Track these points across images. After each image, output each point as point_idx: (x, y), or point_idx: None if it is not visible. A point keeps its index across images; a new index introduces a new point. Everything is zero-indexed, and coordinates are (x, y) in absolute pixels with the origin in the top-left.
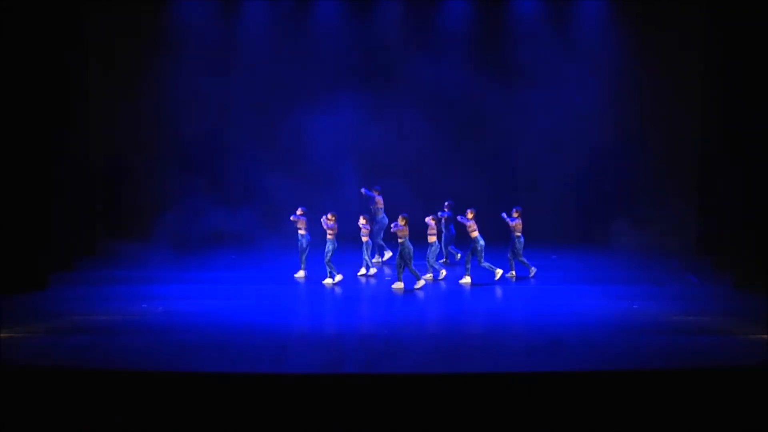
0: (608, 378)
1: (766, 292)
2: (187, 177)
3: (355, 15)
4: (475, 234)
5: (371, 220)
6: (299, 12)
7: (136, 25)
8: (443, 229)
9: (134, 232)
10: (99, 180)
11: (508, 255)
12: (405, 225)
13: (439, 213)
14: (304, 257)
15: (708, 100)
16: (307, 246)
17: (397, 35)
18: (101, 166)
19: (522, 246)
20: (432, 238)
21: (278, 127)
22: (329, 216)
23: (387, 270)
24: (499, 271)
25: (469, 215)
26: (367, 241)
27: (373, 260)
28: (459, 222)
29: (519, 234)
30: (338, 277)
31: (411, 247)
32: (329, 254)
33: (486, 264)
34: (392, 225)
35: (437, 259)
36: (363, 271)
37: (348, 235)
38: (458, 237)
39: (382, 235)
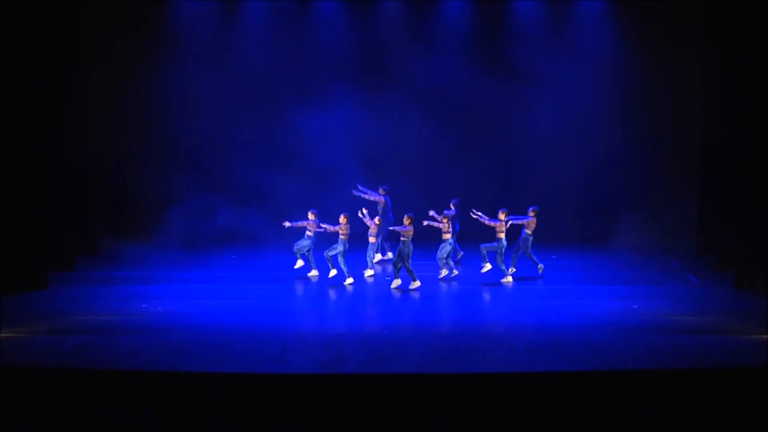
0: (608, 378)
1: (766, 292)
2: (187, 176)
3: (356, 14)
4: (502, 235)
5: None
6: (300, 11)
7: (135, 24)
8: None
9: (134, 232)
10: (99, 180)
11: (512, 253)
12: (410, 225)
13: (446, 211)
14: (311, 256)
15: (709, 100)
16: (311, 247)
17: (400, 34)
18: (101, 165)
19: (530, 245)
20: (447, 236)
21: (279, 126)
22: (341, 218)
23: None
24: (488, 266)
25: (501, 216)
26: (374, 242)
27: (374, 260)
28: (477, 220)
29: (530, 232)
30: (350, 280)
31: (411, 247)
32: (337, 253)
33: (502, 264)
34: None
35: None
36: (370, 272)
37: (357, 235)
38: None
39: (385, 233)
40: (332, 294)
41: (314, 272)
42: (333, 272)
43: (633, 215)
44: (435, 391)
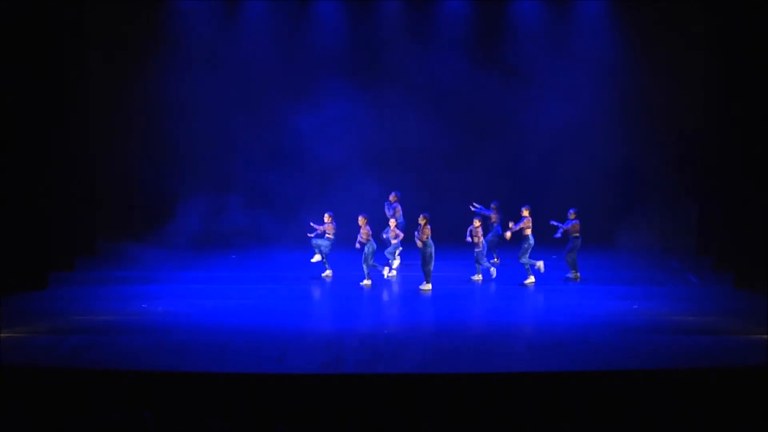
0: (608, 378)
1: (766, 292)
2: (187, 176)
3: (357, 14)
4: (528, 232)
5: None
6: (301, 11)
7: (135, 24)
8: (490, 229)
9: (134, 232)
10: (99, 180)
11: (567, 258)
12: (425, 225)
13: (485, 210)
14: (326, 257)
15: (709, 101)
16: (330, 248)
17: (401, 34)
18: (101, 165)
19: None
20: (478, 239)
21: (279, 125)
22: (360, 219)
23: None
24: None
25: (525, 212)
26: (396, 243)
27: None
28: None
29: (578, 235)
30: (367, 282)
31: (431, 247)
32: (370, 257)
33: (526, 261)
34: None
35: (488, 259)
36: (392, 272)
37: (350, 236)
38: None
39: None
40: (332, 294)
41: (328, 272)
42: (389, 272)
43: (633, 215)
44: (435, 391)
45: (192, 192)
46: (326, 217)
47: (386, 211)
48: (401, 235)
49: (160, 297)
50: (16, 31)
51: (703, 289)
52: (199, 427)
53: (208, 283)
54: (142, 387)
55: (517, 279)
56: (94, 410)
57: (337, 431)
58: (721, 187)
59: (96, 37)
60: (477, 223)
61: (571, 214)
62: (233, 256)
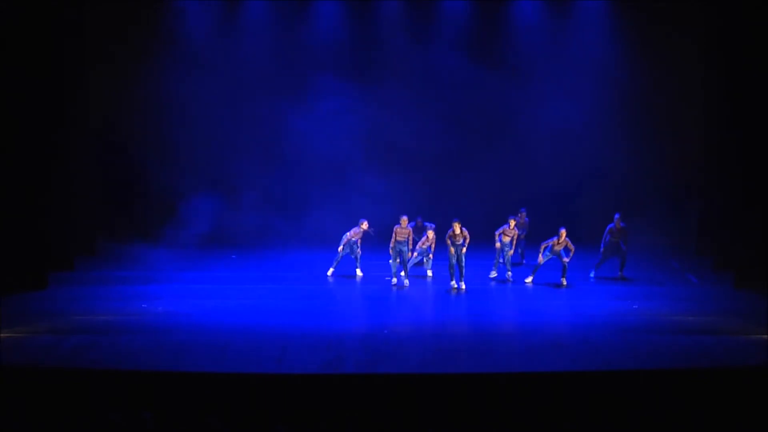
0: (608, 378)
1: (766, 292)
2: (188, 176)
3: (359, 13)
4: (506, 239)
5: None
6: (302, 12)
7: (135, 24)
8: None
9: (134, 232)
10: (99, 180)
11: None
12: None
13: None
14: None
15: (709, 101)
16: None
17: (402, 34)
18: (101, 165)
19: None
20: (506, 238)
21: (280, 126)
22: (402, 220)
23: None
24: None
25: (512, 223)
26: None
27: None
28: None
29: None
30: (395, 280)
31: (454, 249)
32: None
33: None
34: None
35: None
36: (430, 272)
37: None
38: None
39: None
40: (332, 294)
41: (359, 272)
42: (395, 280)
43: (633, 215)
44: (435, 391)
45: (192, 192)
46: (364, 225)
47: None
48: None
49: (160, 297)
50: (16, 31)
51: (703, 289)
52: (199, 427)
53: (208, 283)
54: (142, 387)
55: (519, 280)
56: (94, 410)
57: (337, 431)
58: (721, 187)
59: (96, 37)
60: (513, 222)
61: (617, 220)
62: (233, 256)
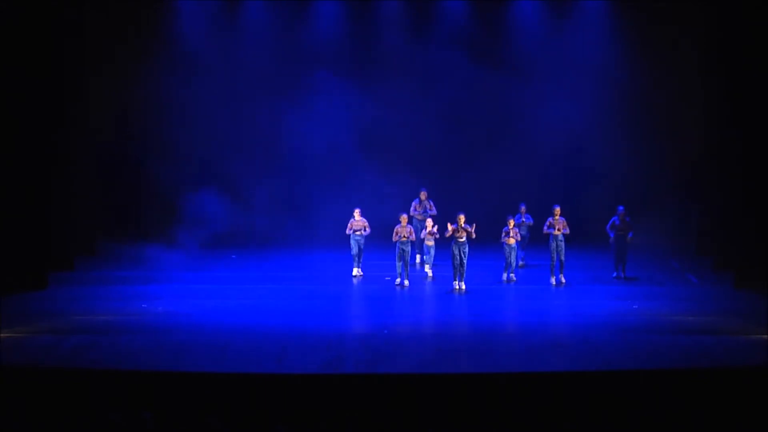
0: (608, 378)
1: (766, 292)
2: (188, 176)
3: (360, 13)
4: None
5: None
6: (302, 11)
7: (135, 24)
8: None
9: (134, 232)
10: (99, 180)
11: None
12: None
13: (516, 218)
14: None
15: (709, 101)
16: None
17: (403, 33)
18: (101, 166)
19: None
20: (511, 240)
21: (281, 126)
22: (402, 219)
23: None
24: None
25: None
26: (432, 245)
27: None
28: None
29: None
30: (398, 280)
31: (457, 247)
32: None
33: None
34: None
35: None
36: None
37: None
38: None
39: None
40: (332, 294)
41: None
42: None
43: (633, 215)
44: (435, 391)
45: (192, 192)
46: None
47: (416, 211)
48: (437, 235)
49: (160, 297)
50: (16, 31)
51: (703, 289)
52: (199, 427)
53: (208, 283)
54: (142, 387)
55: (521, 280)
56: (94, 410)
57: (337, 431)
58: (721, 187)
59: (96, 37)
60: (512, 222)
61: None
62: (233, 256)
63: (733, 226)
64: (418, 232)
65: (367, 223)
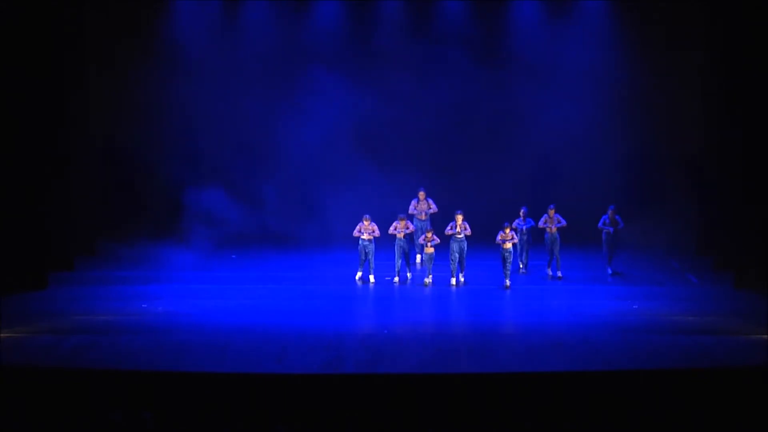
0: (608, 378)
1: (766, 292)
2: (188, 176)
3: (360, 14)
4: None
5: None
6: (303, 11)
7: (135, 24)
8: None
9: (134, 232)
10: (99, 180)
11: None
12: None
13: (516, 222)
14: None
15: (709, 100)
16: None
17: (404, 33)
18: (101, 165)
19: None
20: (507, 245)
21: (281, 126)
22: (399, 218)
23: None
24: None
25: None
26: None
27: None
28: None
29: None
30: (396, 279)
31: (456, 245)
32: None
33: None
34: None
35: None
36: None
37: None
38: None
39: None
40: (332, 294)
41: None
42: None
43: (633, 215)
44: (435, 391)
45: (192, 192)
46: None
47: (415, 210)
48: (437, 240)
49: (160, 297)
50: (16, 31)
51: (703, 289)
52: (199, 427)
53: (208, 283)
54: (142, 387)
55: (521, 280)
56: (94, 410)
57: (337, 431)
58: (722, 187)
59: (96, 37)
60: (508, 230)
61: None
62: (233, 256)
63: (733, 226)
64: (418, 232)
65: (376, 227)
